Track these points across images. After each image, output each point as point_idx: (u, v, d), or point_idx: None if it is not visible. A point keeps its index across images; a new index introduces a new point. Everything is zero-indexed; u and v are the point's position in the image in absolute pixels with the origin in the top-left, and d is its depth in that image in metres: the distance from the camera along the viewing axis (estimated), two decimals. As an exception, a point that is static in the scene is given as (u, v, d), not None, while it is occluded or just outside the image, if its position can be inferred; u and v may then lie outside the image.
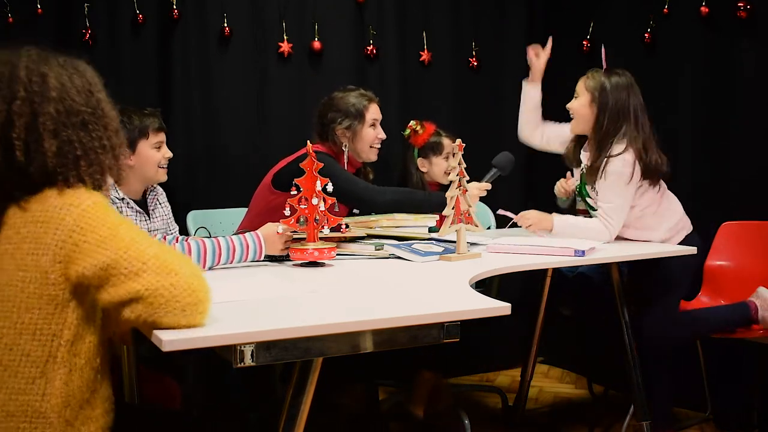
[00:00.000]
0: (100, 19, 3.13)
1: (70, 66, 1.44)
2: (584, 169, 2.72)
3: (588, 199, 2.72)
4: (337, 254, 2.35)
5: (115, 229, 1.33)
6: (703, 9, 3.16)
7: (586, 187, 2.72)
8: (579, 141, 2.81)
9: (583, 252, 2.35)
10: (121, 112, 2.46)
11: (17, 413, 1.33)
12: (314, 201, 2.16)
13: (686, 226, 2.74)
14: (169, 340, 1.28)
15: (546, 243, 2.45)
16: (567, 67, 3.86)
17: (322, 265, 2.17)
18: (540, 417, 3.30)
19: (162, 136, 2.48)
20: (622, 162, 2.58)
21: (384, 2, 3.62)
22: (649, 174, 2.61)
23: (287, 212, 2.18)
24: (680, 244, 2.68)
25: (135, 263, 1.30)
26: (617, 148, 2.60)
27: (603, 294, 2.81)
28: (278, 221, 2.23)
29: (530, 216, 2.67)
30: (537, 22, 3.97)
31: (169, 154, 2.50)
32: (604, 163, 2.61)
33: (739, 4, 3.01)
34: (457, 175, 2.35)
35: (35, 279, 1.32)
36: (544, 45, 3.03)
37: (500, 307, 1.59)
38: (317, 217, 2.18)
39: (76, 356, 1.36)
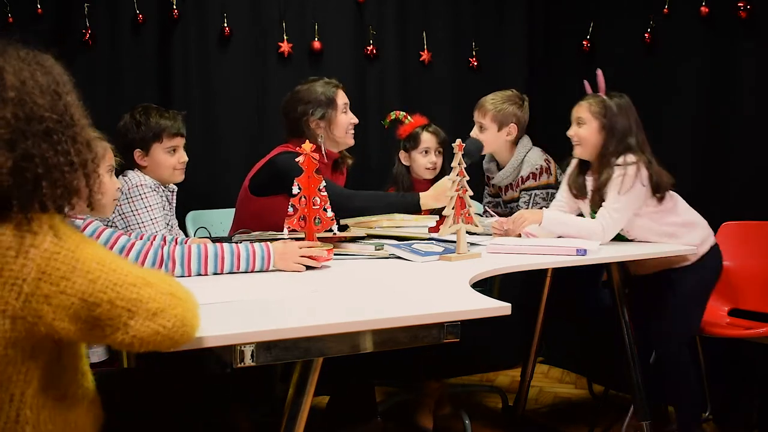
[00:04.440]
0: (100, 19, 3.14)
1: (33, 61, 1.17)
2: (591, 192, 2.69)
3: None
4: (338, 254, 2.35)
5: (92, 270, 1.13)
6: (703, 9, 3.16)
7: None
8: (581, 169, 2.78)
9: (585, 251, 2.35)
10: (141, 110, 2.46)
11: None
12: (315, 201, 2.15)
13: (710, 235, 2.72)
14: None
15: (547, 243, 2.44)
16: (567, 67, 3.87)
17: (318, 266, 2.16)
18: (540, 417, 3.30)
19: (177, 141, 2.44)
20: (626, 168, 2.57)
21: (384, 2, 3.62)
22: (658, 189, 2.60)
23: (291, 210, 2.16)
24: (707, 254, 2.67)
25: (122, 312, 1.14)
26: (621, 160, 2.59)
27: (603, 294, 2.81)
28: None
29: (524, 216, 2.63)
30: (537, 22, 3.97)
31: (185, 159, 2.47)
32: (610, 174, 2.59)
33: (739, 4, 3.01)
34: (457, 174, 2.35)
35: None
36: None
37: (500, 307, 1.59)
38: (318, 219, 2.17)
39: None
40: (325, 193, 2.18)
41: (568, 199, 2.81)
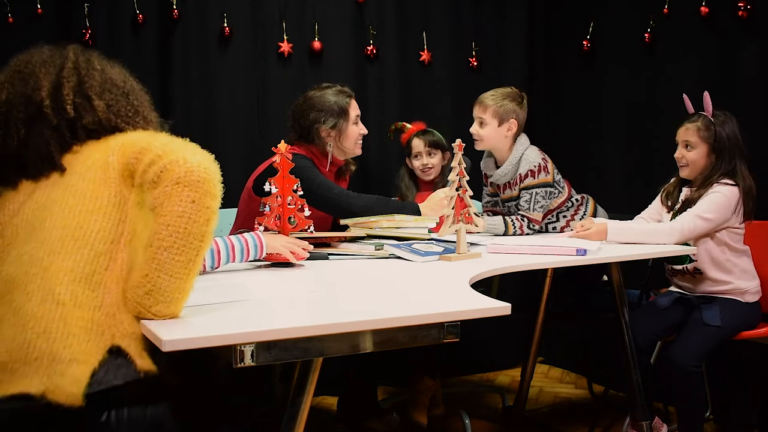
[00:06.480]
0: (100, 19, 3.14)
1: (106, 61, 1.68)
2: (681, 201, 2.72)
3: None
4: (338, 254, 2.36)
5: (158, 134, 1.53)
6: (703, 9, 3.16)
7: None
8: (680, 182, 2.81)
9: (585, 251, 2.35)
10: None
11: (79, 279, 1.40)
12: (288, 201, 2.17)
13: (759, 293, 2.72)
14: (169, 340, 1.28)
15: (546, 242, 2.44)
16: (567, 67, 3.88)
17: (292, 265, 2.15)
18: (540, 417, 3.30)
19: None
20: (727, 188, 2.60)
21: (384, 2, 3.62)
22: (751, 206, 2.63)
23: (267, 209, 2.19)
24: (754, 303, 2.69)
25: (162, 146, 1.44)
26: (725, 180, 2.63)
27: (603, 294, 2.81)
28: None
29: (588, 228, 2.64)
30: (537, 21, 3.97)
31: None
32: (706, 191, 2.63)
33: (739, 4, 3.01)
34: (457, 175, 2.35)
35: (101, 171, 1.48)
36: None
37: (500, 307, 1.59)
38: (292, 218, 2.18)
39: (128, 251, 1.46)
40: (300, 194, 2.20)
41: (654, 211, 2.84)
